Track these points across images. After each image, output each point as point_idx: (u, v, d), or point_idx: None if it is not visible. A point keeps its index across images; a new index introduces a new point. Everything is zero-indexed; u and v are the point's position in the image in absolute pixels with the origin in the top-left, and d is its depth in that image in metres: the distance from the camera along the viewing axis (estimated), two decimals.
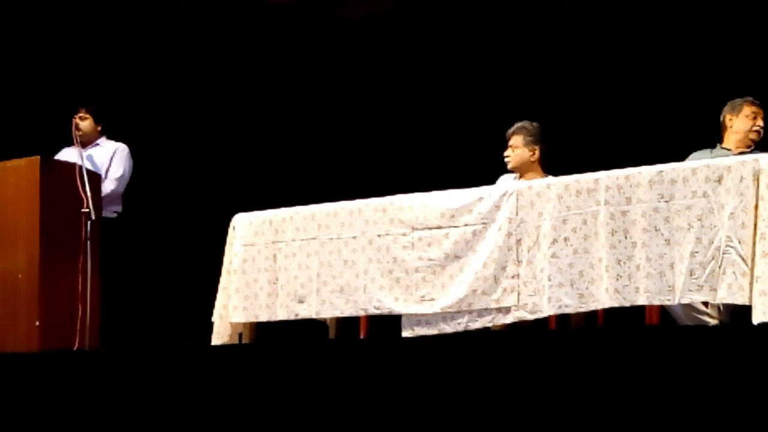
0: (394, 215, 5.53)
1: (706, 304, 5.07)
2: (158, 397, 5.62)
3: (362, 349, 5.36)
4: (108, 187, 7.04)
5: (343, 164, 7.81)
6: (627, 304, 4.86)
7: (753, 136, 5.96)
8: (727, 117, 6.02)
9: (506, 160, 6.23)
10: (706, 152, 5.93)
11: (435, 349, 5.10)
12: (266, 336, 6.05)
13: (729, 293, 4.59)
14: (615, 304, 4.88)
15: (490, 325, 5.28)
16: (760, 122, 5.96)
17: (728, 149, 5.95)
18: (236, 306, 5.93)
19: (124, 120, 7.61)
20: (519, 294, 5.15)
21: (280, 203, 6.00)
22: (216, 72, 8.35)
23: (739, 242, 4.57)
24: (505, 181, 6.19)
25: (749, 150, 5.87)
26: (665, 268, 4.75)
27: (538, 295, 5.09)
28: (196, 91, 8.35)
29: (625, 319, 5.13)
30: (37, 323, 6.20)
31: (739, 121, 5.98)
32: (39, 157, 6.36)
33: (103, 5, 8.39)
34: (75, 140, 6.82)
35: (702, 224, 4.68)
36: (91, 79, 8.27)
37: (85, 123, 7.18)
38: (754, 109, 5.96)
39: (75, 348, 6.22)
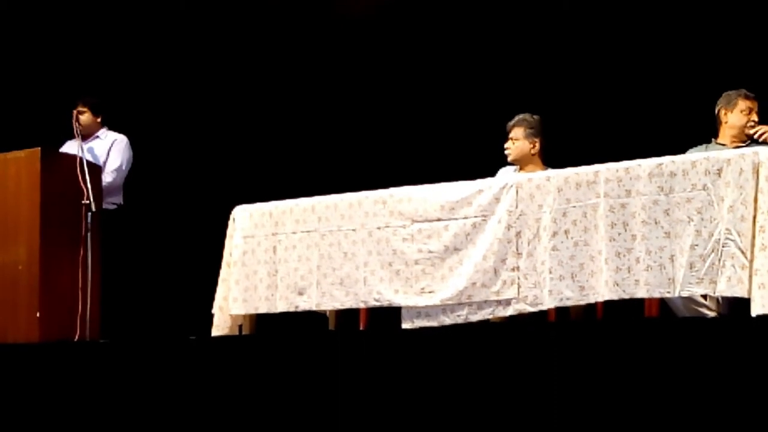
0: (394, 207, 5.53)
1: (705, 296, 5.06)
2: (158, 388, 5.63)
3: (362, 341, 5.37)
4: (105, 179, 7.03)
5: (343, 156, 7.80)
6: (626, 297, 4.86)
7: (748, 131, 5.94)
8: (722, 111, 5.99)
9: (506, 152, 6.24)
10: (701, 148, 5.92)
11: (435, 341, 5.11)
12: (266, 328, 6.05)
13: (728, 286, 4.59)
14: (615, 296, 4.88)
15: (490, 317, 5.28)
16: (755, 117, 5.94)
17: (723, 144, 5.93)
18: (236, 298, 5.93)
19: (125, 112, 7.62)
20: (519, 286, 5.15)
21: (280, 195, 6.01)
22: (217, 64, 8.34)
23: (739, 235, 4.58)
24: (505, 173, 6.19)
25: (744, 144, 5.86)
26: (665, 260, 4.76)
27: (539, 287, 5.09)
28: (196, 84, 8.35)
29: (624, 312, 5.13)
30: (38, 314, 6.20)
31: (734, 117, 5.96)
32: (39, 148, 6.36)
33: None
34: (76, 132, 6.84)
35: (701, 217, 4.69)
36: (92, 70, 8.27)
37: (83, 117, 7.21)
38: (748, 103, 5.94)
39: (75, 339, 6.23)
